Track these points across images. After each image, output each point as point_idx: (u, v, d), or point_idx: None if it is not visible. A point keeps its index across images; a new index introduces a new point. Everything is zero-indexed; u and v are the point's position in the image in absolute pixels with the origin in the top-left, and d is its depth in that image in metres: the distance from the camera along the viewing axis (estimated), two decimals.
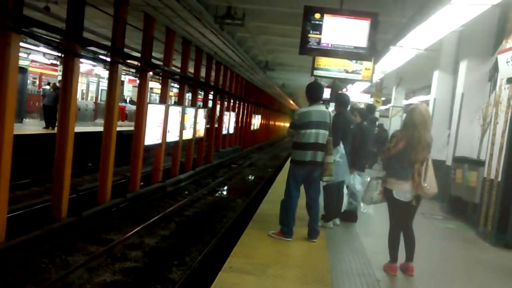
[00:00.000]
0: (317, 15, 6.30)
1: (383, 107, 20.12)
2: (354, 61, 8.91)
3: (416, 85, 16.59)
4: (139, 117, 9.68)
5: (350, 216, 6.53)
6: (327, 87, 16.66)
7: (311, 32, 6.31)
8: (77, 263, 5.90)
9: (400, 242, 4.53)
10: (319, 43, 6.33)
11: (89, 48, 8.19)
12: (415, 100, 18.32)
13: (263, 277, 4.03)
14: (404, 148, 4.29)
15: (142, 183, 10.27)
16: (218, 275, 3.94)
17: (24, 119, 15.46)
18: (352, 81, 14.03)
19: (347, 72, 9.17)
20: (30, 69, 18.04)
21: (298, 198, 5.26)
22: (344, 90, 17.34)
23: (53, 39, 8.51)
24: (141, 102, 9.89)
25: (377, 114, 17.70)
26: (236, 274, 4.05)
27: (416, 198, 4.38)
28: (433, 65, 9.70)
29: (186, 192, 11.58)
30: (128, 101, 26.40)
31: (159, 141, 10.46)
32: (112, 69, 8.65)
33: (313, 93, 5.26)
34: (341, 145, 5.53)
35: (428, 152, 4.33)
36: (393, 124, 15.29)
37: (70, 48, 7.13)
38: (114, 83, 8.59)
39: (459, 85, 8.02)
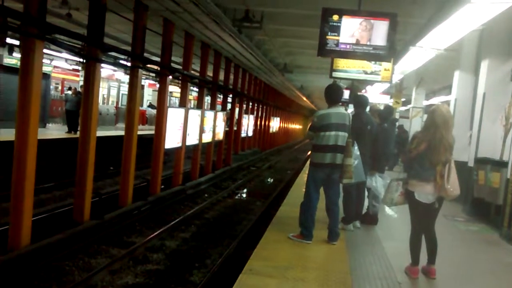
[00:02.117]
0: (335, 17, 6.28)
1: (403, 108, 19.90)
2: (373, 62, 8.87)
3: (436, 85, 16.37)
4: (159, 121, 9.78)
5: (371, 219, 6.48)
6: (346, 88, 16.64)
7: (329, 33, 6.29)
8: (100, 265, 5.99)
9: (422, 245, 4.48)
10: (337, 44, 6.31)
11: (109, 53, 8.34)
12: (435, 100, 18.09)
13: (283, 280, 4.04)
14: (426, 149, 4.24)
15: (162, 186, 10.36)
16: (238, 277, 3.96)
17: (47, 124, 15.76)
18: (371, 82, 13.93)
19: (366, 73, 9.10)
20: (53, 74, 18.39)
21: (318, 200, 5.25)
22: (363, 91, 17.25)
23: (74, 45, 8.71)
24: (161, 106, 9.99)
25: (397, 115, 17.56)
26: (257, 276, 4.06)
27: (438, 200, 4.33)
28: (454, 65, 9.57)
29: (206, 195, 11.65)
30: (148, 105, 26.67)
31: (179, 144, 10.55)
32: (132, 73, 8.77)
33: (332, 95, 5.26)
34: (356, 147, 5.50)
35: (451, 153, 4.28)
36: (413, 125, 15.10)
37: (91, 54, 7.25)
38: (134, 87, 8.71)
39: (480, 85, 7.89)
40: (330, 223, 5.29)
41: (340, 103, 5.58)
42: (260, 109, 22.40)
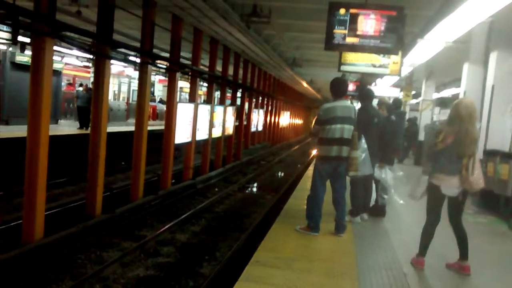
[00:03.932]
0: (342, 11, 6.31)
1: (414, 101, 19.79)
2: (381, 55, 8.85)
3: (447, 78, 16.26)
4: (169, 116, 9.88)
5: (379, 211, 6.50)
6: (355, 82, 16.60)
7: (336, 27, 6.33)
8: (112, 258, 6.11)
9: (433, 238, 4.50)
10: (344, 38, 6.34)
11: (119, 50, 8.43)
12: (446, 93, 17.97)
13: (289, 271, 4.10)
14: (453, 142, 4.24)
15: (173, 181, 10.47)
16: (245, 269, 4.03)
17: (59, 120, 15.97)
18: (380, 75, 13.88)
19: (374, 66, 9.10)
20: (64, 71, 18.57)
21: (324, 193, 5.30)
22: (373, 84, 17.19)
23: (85, 42, 8.82)
24: (170, 101, 10.09)
25: (407, 108, 17.48)
26: (263, 267, 4.13)
27: (463, 193, 4.34)
28: (464, 57, 9.51)
29: (216, 189, 11.73)
30: (158, 100, 26.83)
31: (189, 139, 10.64)
32: (142, 69, 8.86)
33: (337, 88, 5.28)
34: (363, 140, 5.52)
35: (476, 146, 4.28)
36: (423, 118, 15.02)
37: (100, 51, 7.35)
38: (144, 83, 8.81)
39: (489, 77, 7.84)
40: (337, 215, 5.34)
41: (350, 97, 5.61)
42: (270, 103, 22.42)
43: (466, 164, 4.20)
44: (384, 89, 16.67)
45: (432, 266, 4.52)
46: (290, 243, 4.97)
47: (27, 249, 5.68)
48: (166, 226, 7.64)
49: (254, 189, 12.89)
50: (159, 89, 30.53)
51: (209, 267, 6.32)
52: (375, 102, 7.05)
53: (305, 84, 25.86)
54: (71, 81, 22.25)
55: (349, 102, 5.28)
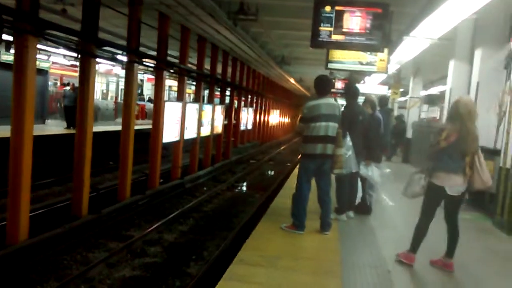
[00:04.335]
0: (328, 8, 6.30)
1: (402, 99, 19.89)
2: (368, 52, 8.88)
3: (434, 75, 16.36)
4: (157, 115, 9.81)
5: (364, 209, 6.51)
6: (344, 79, 16.64)
7: (322, 24, 6.32)
8: (97, 259, 6.05)
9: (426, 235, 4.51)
10: (330, 35, 6.34)
11: (105, 48, 8.35)
12: (433, 90, 18.09)
13: (273, 269, 4.09)
14: (456, 140, 4.22)
15: (162, 180, 10.42)
16: (228, 268, 4.02)
17: (46, 120, 15.82)
18: (368, 73, 13.94)
19: (361, 64, 9.15)
20: (51, 70, 18.41)
21: (309, 191, 5.29)
22: (361, 82, 17.26)
23: (71, 40, 8.72)
24: (158, 100, 10.04)
25: (395, 106, 17.56)
26: (246, 266, 4.11)
27: (468, 191, 4.34)
28: (450, 54, 9.57)
29: (205, 188, 11.70)
30: (147, 99, 26.71)
31: (177, 138, 10.59)
32: (128, 68, 8.79)
33: (321, 86, 5.28)
34: (348, 137, 5.52)
35: (477, 143, 4.27)
36: (411, 116, 15.10)
37: (85, 49, 7.27)
38: (130, 82, 8.75)
39: (474, 74, 7.90)
40: (322, 213, 5.34)
41: (338, 94, 5.61)
42: (259, 102, 22.40)
43: (470, 162, 4.20)
44: (372, 87, 16.73)
45: (415, 262, 4.54)
46: (274, 241, 4.96)
47: (11, 250, 5.61)
48: (154, 226, 7.60)
49: (243, 188, 12.86)
50: (148, 88, 30.37)
51: (196, 266, 6.29)
52: (361, 99, 7.05)
53: (294, 82, 25.88)
54: (59, 80, 22.07)
55: (333, 99, 5.27)
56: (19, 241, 5.81)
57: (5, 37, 5.90)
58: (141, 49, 8.98)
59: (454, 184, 4.30)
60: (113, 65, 20.40)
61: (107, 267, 5.92)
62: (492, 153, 6.89)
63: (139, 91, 24.56)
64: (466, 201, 7.53)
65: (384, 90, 16.55)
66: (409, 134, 14.46)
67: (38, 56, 10.71)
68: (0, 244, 5.77)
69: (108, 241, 6.94)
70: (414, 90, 15.07)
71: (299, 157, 5.71)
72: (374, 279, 4.11)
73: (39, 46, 12.30)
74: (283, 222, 5.47)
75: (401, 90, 17.54)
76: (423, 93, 17.00)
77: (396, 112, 16.80)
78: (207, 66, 13.49)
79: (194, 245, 7.18)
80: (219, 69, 14.74)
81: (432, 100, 20.90)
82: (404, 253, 4.58)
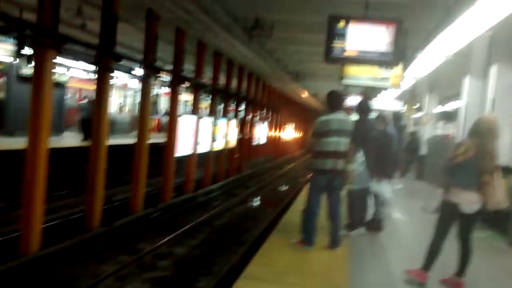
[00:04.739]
0: (342, 24, 6.31)
1: (418, 115, 19.71)
2: (382, 68, 8.86)
3: (450, 91, 16.21)
4: (171, 129, 9.90)
5: (376, 226, 6.42)
6: (359, 94, 16.56)
7: (335, 40, 6.33)
8: (108, 272, 6.06)
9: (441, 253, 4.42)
10: (343, 51, 6.34)
11: (122, 62, 8.47)
12: (449, 106, 17.89)
13: (280, 285, 4.05)
14: (473, 157, 4.14)
15: (175, 194, 10.44)
16: (234, 283, 3.98)
17: (63, 133, 16.01)
18: (382, 89, 13.87)
19: (375, 79, 9.12)
20: (70, 84, 18.69)
21: (319, 207, 5.23)
22: (375, 98, 17.17)
23: (88, 55, 8.87)
24: (172, 114, 10.12)
25: (410, 122, 17.40)
26: (253, 281, 4.07)
27: (481, 211, 4.26)
28: (466, 71, 9.49)
29: (217, 202, 11.68)
30: (164, 113, 26.91)
31: (191, 152, 10.63)
32: (144, 82, 8.90)
33: (333, 101, 5.25)
34: (360, 153, 5.48)
35: (496, 162, 4.18)
36: (426, 132, 14.94)
37: (103, 63, 7.39)
38: (146, 95, 8.87)
39: (490, 90, 7.81)
40: (332, 229, 5.27)
41: (348, 110, 5.59)
42: (273, 116, 22.42)
43: (486, 181, 4.12)
44: (387, 103, 16.62)
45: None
46: (283, 257, 4.90)
47: (23, 261, 5.67)
48: (165, 239, 7.60)
49: (256, 203, 12.81)
50: (164, 102, 30.60)
51: (205, 281, 6.25)
52: (374, 115, 7.01)
53: (309, 97, 25.88)
54: (77, 94, 22.38)
55: (344, 115, 5.24)
56: (31, 252, 5.87)
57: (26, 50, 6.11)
58: (157, 63, 9.08)
59: (469, 201, 4.21)
60: (130, 79, 20.67)
61: (117, 280, 5.93)
62: (507, 171, 6.76)
63: (154, 105, 24.76)
64: (480, 220, 7.44)
65: (399, 106, 16.42)
66: (424, 150, 14.29)
67: (56, 69, 10.89)
68: (12, 255, 5.83)
69: (119, 253, 6.94)
70: (429, 106, 14.93)
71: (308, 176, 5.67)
72: None
73: (57, 59, 12.56)
74: (292, 238, 5.41)
75: (417, 106, 17.40)
76: (439, 109, 16.84)
77: (411, 128, 16.64)
78: (222, 80, 13.59)
79: (204, 260, 7.15)
80: (234, 83, 14.84)
81: (448, 116, 20.67)
82: (417, 270, 4.49)
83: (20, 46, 7.08)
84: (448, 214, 4.36)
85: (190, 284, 6.13)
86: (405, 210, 7.93)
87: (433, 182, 5.13)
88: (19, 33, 5.92)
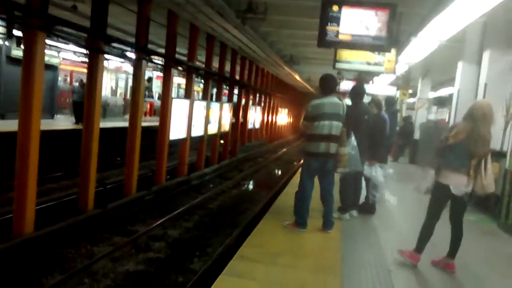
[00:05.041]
0: (335, 7, 6.32)
1: (411, 100, 19.80)
2: (376, 53, 8.86)
3: (443, 76, 16.27)
4: (164, 112, 9.87)
5: (368, 208, 6.51)
6: (353, 80, 16.60)
7: (329, 24, 6.34)
8: (102, 253, 6.11)
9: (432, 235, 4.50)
10: (337, 35, 6.35)
11: (114, 45, 8.41)
12: (442, 92, 17.98)
13: (273, 266, 4.12)
14: (464, 140, 4.20)
15: (168, 177, 10.47)
16: (228, 263, 4.04)
17: (55, 115, 15.96)
18: (376, 73, 13.90)
19: (369, 64, 9.13)
20: (62, 66, 18.55)
21: (312, 189, 5.30)
22: (370, 82, 17.20)
23: (80, 37, 8.80)
24: (165, 97, 10.08)
25: (404, 107, 17.48)
26: (246, 262, 4.14)
27: (471, 194, 4.32)
28: (460, 56, 9.52)
29: (211, 185, 11.74)
30: (157, 97, 26.83)
31: (184, 135, 10.63)
32: (137, 65, 8.85)
33: (326, 85, 5.28)
34: (352, 137, 5.53)
35: (488, 147, 4.24)
36: (419, 117, 15.02)
37: (94, 45, 7.33)
38: (138, 79, 8.81)
39: (482, 75, 7.86)
40: (325, 211, 5.35)
41: (343, 95, 5.62)
42: (267, 100, 22.41)
43: (476, 165, 4.18)
44: (381, 88, 16.67)
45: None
46: (276, 238, 4.99)
47: (17, 242, 5.69)
48: (159, 222, 7.64)
49: (250, 186, 12.89)
50: (157, 85, 30.47)
51: (199, 262, 6.33)
52: (366, 99, 7.05)
53: (302, 81, 25.84)
54: (69, 76, 22.23)
55: (337, 98, 5.26)
56: (25, 233, 5.89)
57: (16, 32, 6.06)
58: (150, 46, 9.02)
59: (458, 184, 4.28)
60: (122, 62, 20.56)
61: (111, 261, 5.98)
62: (498, 155, 6.86)
63: (148, 89, 24.66)
64: (471, 203, 7.56)
65: (393, 91, 16.48)
66: (417, 135, 14.40)
67: (48, 51, 10.79)
68: (6, 236, 5.86)
69: (113, 235, 6.99)
70: (422, 91, 15.00)
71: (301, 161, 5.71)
72: (374, 278, 4.12)
73: (49, 42, 12.43)
74: (286, 220, 5.49)
75: (410, 91, 17.46)
76: (432, 94, 16.90)
77: (404, 113, 16.73)
78: (215, 64, 13.53)
79: (198, 242, 7.22)
80: (227, 68, 14.78)
81: (441, 102, 20.77)
82: (409, 252, 4.58)
83: (10, 28, 7.04)
84: (439, 196, 4.44)
85: (184, 265, 6.20)
86: (397, 193, 8.02)
87: (425, 166, 5.21)
88: (8, 14, 5.86)
